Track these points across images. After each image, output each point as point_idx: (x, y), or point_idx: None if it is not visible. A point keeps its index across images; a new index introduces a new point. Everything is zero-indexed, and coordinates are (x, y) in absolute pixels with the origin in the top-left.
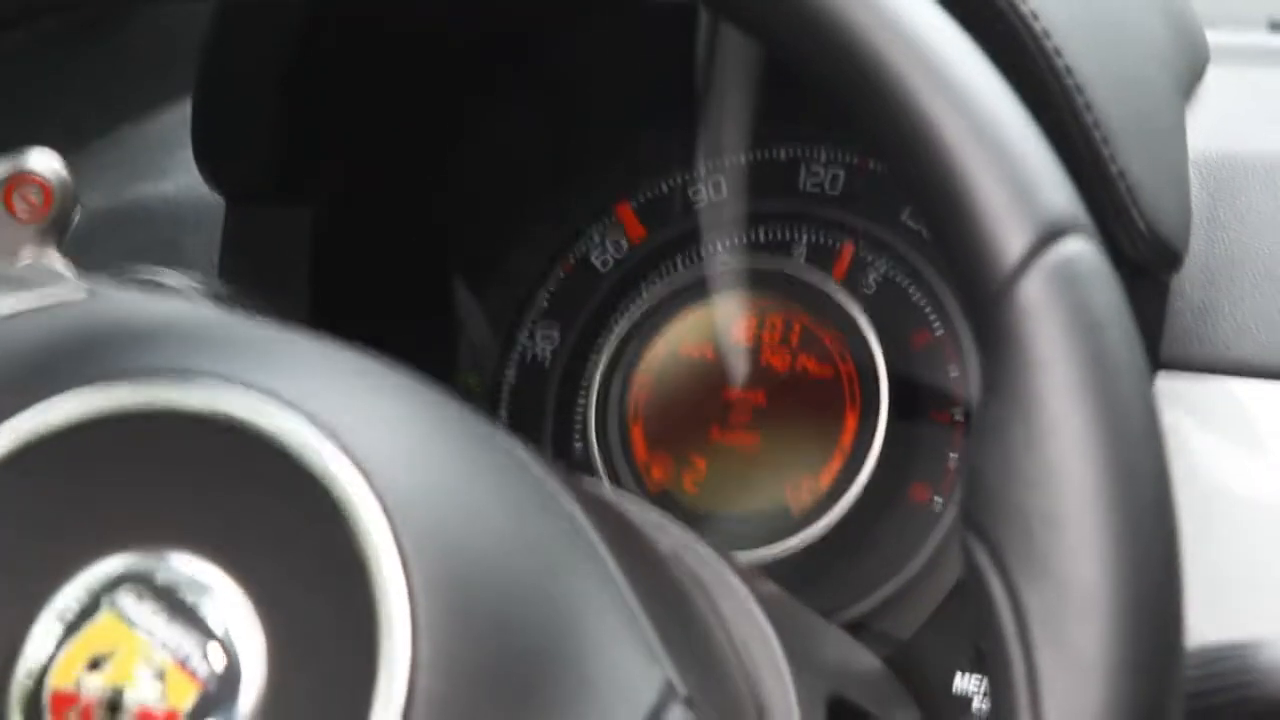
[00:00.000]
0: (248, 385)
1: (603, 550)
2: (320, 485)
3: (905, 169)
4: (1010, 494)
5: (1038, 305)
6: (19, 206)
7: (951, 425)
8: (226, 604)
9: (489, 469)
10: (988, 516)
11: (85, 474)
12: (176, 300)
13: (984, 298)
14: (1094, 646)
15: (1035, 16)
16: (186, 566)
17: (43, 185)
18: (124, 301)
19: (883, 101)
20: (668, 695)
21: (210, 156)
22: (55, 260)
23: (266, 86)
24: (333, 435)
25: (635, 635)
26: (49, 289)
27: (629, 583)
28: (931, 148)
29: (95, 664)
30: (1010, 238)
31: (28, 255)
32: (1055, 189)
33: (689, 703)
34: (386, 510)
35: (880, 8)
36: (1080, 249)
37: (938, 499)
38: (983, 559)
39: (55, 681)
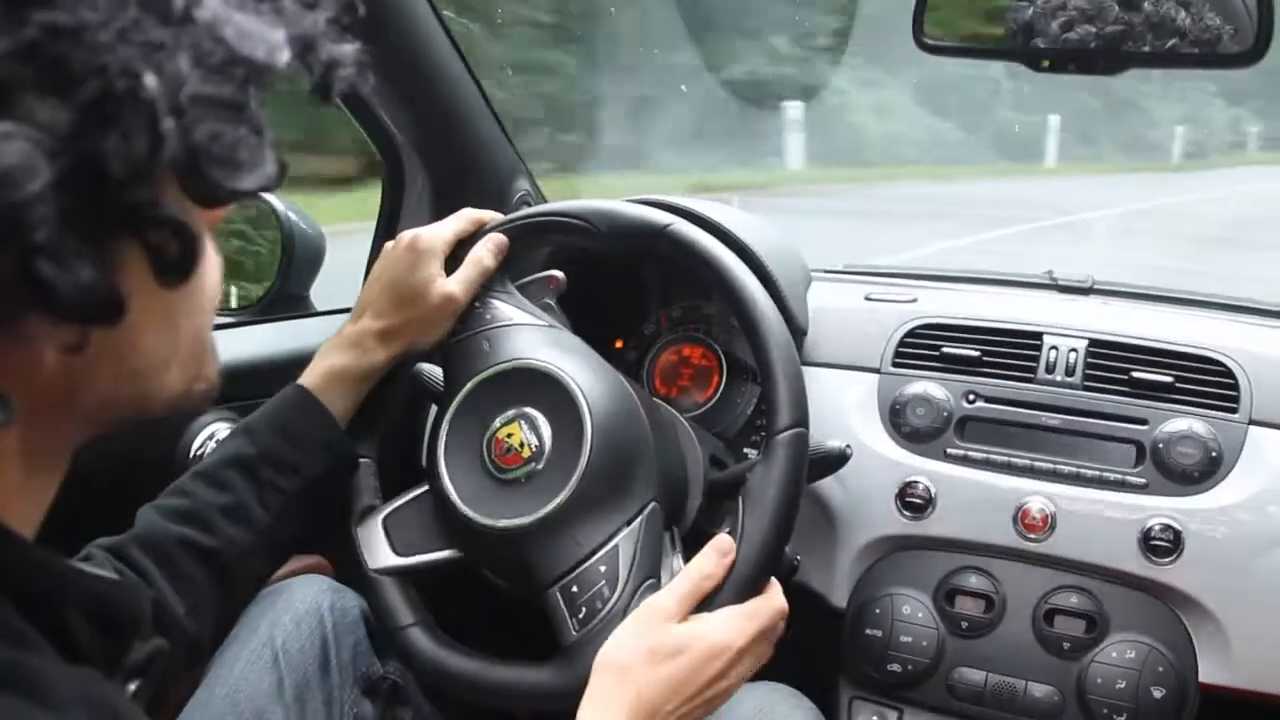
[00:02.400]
0: (543, 361)
1: (644, 414)
2: (567, 391)
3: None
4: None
5: (785, 451)
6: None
7: (748, 380)
8: (542, 425)
9: (619, 383)
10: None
11: (504, 386)
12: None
13: (770, 430)
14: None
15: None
16: (531, 411)
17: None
18: (528, 329)
19: (751, 335)
20: (650, 502)
21: None
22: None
23: None
24: (566, 373)
25: (651, 468)
26: (524, 314)
27: (653, 433)
28: (762, 357)
29: (509, 432)
30: (783, 415)
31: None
32: (801, 404)
33: (658, 501)
34: (585, 399)
35: (766, 314)
36: (803, 432)
37: (743, 400)
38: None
39: (498, 434)
